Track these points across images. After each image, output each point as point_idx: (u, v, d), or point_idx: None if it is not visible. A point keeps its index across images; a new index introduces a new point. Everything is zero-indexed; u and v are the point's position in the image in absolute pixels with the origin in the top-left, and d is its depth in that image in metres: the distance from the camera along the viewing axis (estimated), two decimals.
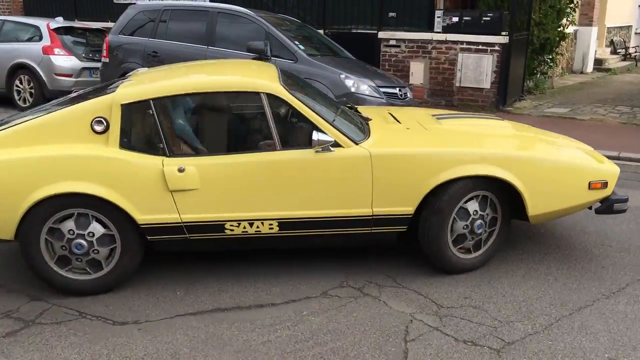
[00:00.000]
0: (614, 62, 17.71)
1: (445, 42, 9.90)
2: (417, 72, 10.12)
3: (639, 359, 2.87)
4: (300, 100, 3.58)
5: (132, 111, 3.46)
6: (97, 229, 3.42)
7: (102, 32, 10.33)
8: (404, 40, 10.23)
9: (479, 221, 3.71)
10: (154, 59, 8.29)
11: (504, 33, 9.39)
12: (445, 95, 10.12)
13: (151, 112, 3.46)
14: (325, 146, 3.46)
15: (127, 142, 3.44)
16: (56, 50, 9.38)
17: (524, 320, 3.22)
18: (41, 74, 9.33)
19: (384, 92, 7.20)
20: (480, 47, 9.64)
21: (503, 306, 3.37)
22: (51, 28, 9.54)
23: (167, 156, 3.43)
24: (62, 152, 3.36)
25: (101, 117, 3.43)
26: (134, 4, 9.44)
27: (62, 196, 3.32)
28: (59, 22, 9.97)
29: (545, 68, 12.10)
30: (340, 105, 4.27)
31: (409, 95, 7.72)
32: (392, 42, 10.33)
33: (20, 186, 3.30)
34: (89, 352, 2.94)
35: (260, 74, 3.78)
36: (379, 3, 10.27)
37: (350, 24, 10.57)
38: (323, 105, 3.86)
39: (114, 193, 3.34)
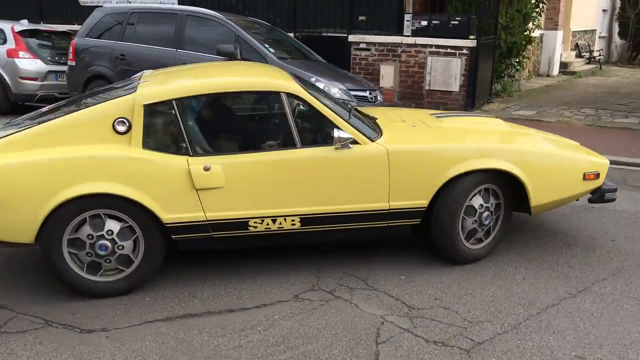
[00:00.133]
0: (579, 65, 18.12)
1: (415, 45, 10.00)
2: (387, 75, 10.20)
3: (605, 356, 2.93)
4: (317, 100, 3.70)
5: (155, 111, 3.48)
6: (120, 229, 3.41)
7: (69, 35, 10.16)
8: (374, 44, 10.30)
9: (486, 213, 3.91)
10: (122, 62, 8.20)
11: (472, 37, 9.52)
12: (415, 98, 10.22)
13: (173, 112, 3.49)
14: (345, 143, 3.58)
15: (149, 142, 3.45)
16: (21, 54, 9.21)
17: (493, 320, 3.26)
18: (5, 77, 9.16)
19: (354, 95, 7.23)
20: (448, 50, 9.75)
21: (473, 306, 3.41)
22: (16, 31, 9.36)
23: (190, 155, 3.46)
24: (86, 152, 3.34)
25: (123, 118, 3.43)
26: (101, 6, 9.31)
27: (86, 197, 3.31)
28: (24, 24, 9.78)
29: (513, 71, 12.30)
30: (347, 105, 4.36)
31: (379, 98, 7.76)
32: (362, 46, 10.40)
33: (43, 188, 3.26)
34: None
35: (277, 75, 3.88)
36: (349, 7, 10.32)
37: (321, 28, 10.60)
38: (335, 105, 3.96)
39: (140, 193, 3.35)
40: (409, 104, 10.16)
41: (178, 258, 4.00)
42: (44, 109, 4.06)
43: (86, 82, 8.55)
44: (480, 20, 9.56)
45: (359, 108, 4.67)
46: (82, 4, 12.33)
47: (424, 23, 9.87)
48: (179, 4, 11.09)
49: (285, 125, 3.60)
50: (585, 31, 19.84)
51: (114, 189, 3.31)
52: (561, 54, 17.26)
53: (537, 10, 12.50)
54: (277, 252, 4.08)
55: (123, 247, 3.42)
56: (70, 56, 8.71)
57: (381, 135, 3.85)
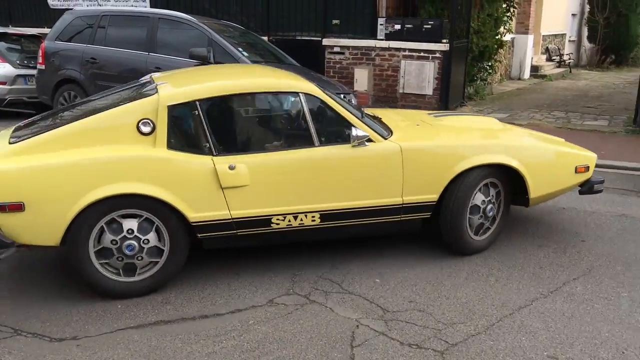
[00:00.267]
0: (549, 68, 18.41)
1: (389, 49, 10.06)
2: (361, 78, 10.24)
3: (576, 356, 2.97)
4: (333, 99, 3.87)
5: (179, 112, 3.54)
6: (147, 230, 3.44)
7: (38, 38, 9.99)
8: (347, 47, 10.33)
9: (489, 206, 4.13)
10: (93, 66, 8.09)
11: (444, 40, 9.61)
12: (389, 101, 10.27)
13: (197, 113, 3.55)
14: (362, 141, 3.74)
15: (174, 143, 3.50)
16: None
17: (467, 321, 3.28)
18: None
19: None
20: (422, 54, 9.83)
21: (447, 308, 3.43)
22: None
23: (213, 155, 3.53)
24: (112, 153, 3.37)
25: (147, 119, 3.47)
26: (71, 9, 9.18)
27: (114, 198, 3.33)
28: None
29: (485, 75, 12.45)
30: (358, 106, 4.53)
31: (353, 101, 7.78)
32: (336, 49, 10.42)
33: (71, 190, 3.27)
34: None
35: (293, 76, 4.06)
36: (322, 10, 10.34)
37: (295, 31, 10.60)
38: (348, 105, 4.09)
39: (168, 193, 3.39)
40: (383, 107, 10.21)
41: None
42: (56, 111, 4.06)
43: (56, 86, 8.42)
44: (452, 24, 9.65)
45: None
46: (51, 7, 12.14)
47: (397, 27, 9.94)
48: (151, 7, 10.99)
49: (304, 124, 3.75)
50: (555, 35, 20.18)
51: (142, 189, 3.34)
52: (532, 58, 17.53)
53: (508, 14, 12.68)
54: (252, 257, 4.05)
55: (147, 253, 3.46)
56: (40, 60, 8.57)
57: (392, 133, 4.04)
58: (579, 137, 8.42)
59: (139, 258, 3.45)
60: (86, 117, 3.51)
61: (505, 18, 12.43)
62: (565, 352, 2.99)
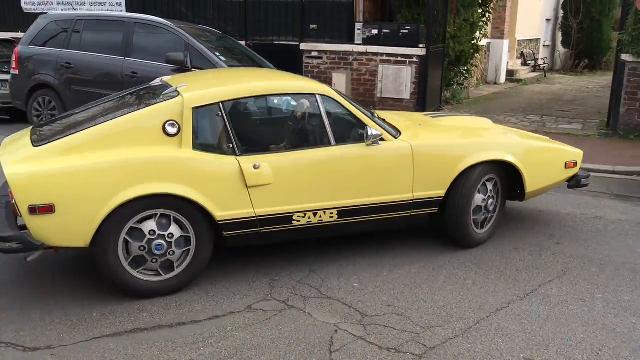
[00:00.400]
0: (524, 73, 18.65)
1: (366, 54, 10.10)
2: (339, 83, 10.26)
3: (552, 357, 3.00)
4: (347, 100, 4.05)
5: (203, 114, 3.63)
6: (174, 229, 3.50)
7: (12, 43, 9.85)
8: (325, 52, 10.36)
9: (490, 200, 4.37)
10: (67, 71, 8.00)
11: (421, 45, 9.69)
12: (367, 105, 10.29)
13: (220, 114, 3.66)
14: (375, 140, 3.92)
15: (199, 144, 3.59)
16: None
17: (445, 325, 3.30)
18: None
19: None
20: (399, 59, 9.89)
21: (425, 312, 3.45)
22: None
23: (236, 155, 3.63)
24: (141, 155, 3.42)
25: (173, 120, 3.54)
26: (46, 13, 9.06)
27: (143, 199, 3.37)
28: None
29: (461, 79, 12.57)
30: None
31: None
32: (314, 54, 10.44)
33: (101, 191, 3.30)
34: None
35: (306, 79, 4.31)
36: (300, 15, 10.35)
37: (272, 36, 10.60)
38: (359, 106, 4.21)
39: (196, 192, 3.47)
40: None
41: None
42: (73, 112, 4.15)
43: (30, 91, 8.30)
44: (429, 29, 9.73)
45: None
46: (25, 11, 11.96)
47: (375, 32, 9.98)
48: (127, 11, 10.89)
49: (321, 124, 3.90)
50: (530, 40, 20.45)
51: (172, 189, 3.41)
52: (507, 62, 17.74)
53: (483, 19, 12.82)
54: (230, 263, 4.03)
55: (174, 252, 3.52)
56: (14, 65, 8.44)
57: (400, 133, 4.21)
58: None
59: (167, 257, 3.51)
60: (108, 119, 3.56)
61: (481, 23, 12.57)
62: (542, 354, 3.02)
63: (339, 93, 4.08)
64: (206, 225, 3.57)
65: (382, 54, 9.98)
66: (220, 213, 3.55)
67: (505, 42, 16.88)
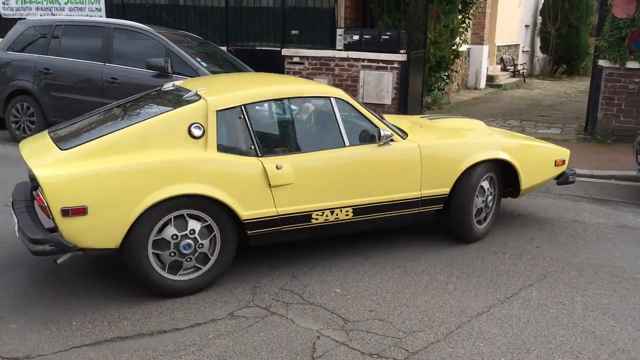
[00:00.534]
0: (504, 78, 18.84)
1: (348, 59, 10.13)
2: None
3: None
4: (358, 103, 4.24)
5: (226, 116, 3.76)
6: (200, 229, 3.59)
7: None
8: (307, 58, 10.37)
9: (489, 197, 4.62)
10: (46, 77, 7.91)
11: (402, 51, 9.74)
12: None
13: (241, 117, 3.79)
14: (387, 141, 4.11)
15: (223, 145, 3.71)
16: None
17: (426, 329, 3.32)
18: None
19: None
20: (380, 64, 9.94)
21: (407, 317, 3.46)
22: None
23: (258, 156, 3.76)
24: (170, 156, 3.52)
25: (198, 123, 3.65)
26: (24, 18, 8.96)
27: (172, 199, 3.46)
28: None
29: (442, 84, 12.66)
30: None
31: None
32: (295, 59, 10.44)
33: (132, 192, 3.37)
34: None
35: (319, 83, 4.53)
36: (281, 21, 10.35)
37: (254, 41, 10.58)
38: (368, 108, 4.38)
39: (223, 193, 3.57)
40: None
41: (107, 276, 3.87)
42: (91, 115, 4.24)
43: (8, 98, 8.19)
44: (409, 35, 9.80)
45: None
46: (3, 16, 11.81)
47: (356, 37, 10.02)
48: (107, 17, 10.81)
49: (336, 126, 4.07)
50: (509, 46, 20.68)
51: (201, 189, 3.51)
52: (487, 68, 17.91)
53: (463, 25, 12.94)
54: None
55: (202, 245, 3.61)
56: None
57: (407, 134, 4.41)
58: None
59: (194, 256, 3.60)
60: (133, 123, 3.65)
61: (460, 29, 12.68)
62: (522, 358, 3.05)
63: (350, 95, 4.26)
64: (231, 225, 3.68)
65: (363, 60, 10.02)
66: (245, 212, 3.67)
67: (485, 48, 17.05)
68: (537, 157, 4.93)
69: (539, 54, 23.42)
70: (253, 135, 3.79)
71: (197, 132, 3.64)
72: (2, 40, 8.57)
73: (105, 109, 4.35)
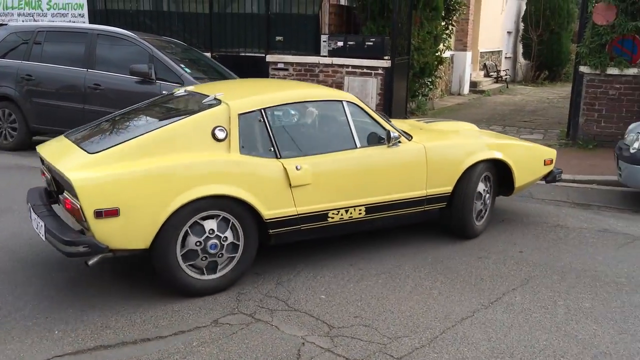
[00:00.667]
0: (487, 84, 19.02)
1: (332, 65, 10.16)
2: None
3: None
4: (367, 106, 4.44)
5: (247, 120, 3.89)
6: (225, 230, 3.70)
7: None
8: (291, 64, 10.37)
9: (487, 195, 4.90)
10: (28, 83, 7.84)
11: (386, 57, 9.79)
12: None
13: (261, 120, 3.94)
14: (395, 142, 4.32)
15: (245, 148, 3.84)
16: None
17: (411, 335, 3.32)
18: None
19: None
20: (365, 70, 9.97)
21: (391, 322, 3.46)
22: None
23: (277, 158, 3.91)
24: (197, 159, 3.63)
25: (222, 126, 3.78)
26: (6, 24, 8.88)
27: (200, 200, 3.56)
28: None
29: (426, 90, 12.73)
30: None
31: None
32: (280, 65, 10.45)
33: (163, 194, 3.46)
34: None
35: (330, 88, 4.83)
36: (265, 27, 10.36)
37: (238, 47, 10.58)
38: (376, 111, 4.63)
39: (247, 193, 3.70)
40: None
41: (88, 284, 3.84)
42: (108, 120, 4.33)
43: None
44: (393, 41, 9.85)
45: None
46: None
47: (340, 44, 10.05)
48: (90, 23, 10.75)
49: (348, 128, 4.27)
50: (492, 52, 20.89)
51: (227, 190, 3.63)
52: (471, 74, 18.07)
53: (446, 32, 13.04)
54: None
55: (227, 246, 3.72)
56: None
57: (411, 136, 4.61)
58: None
59: (220, 255, 3.70)
60: (157, 127, 3.75)
61: (444, 36, 12.77)
62: None
63: (359, 99, 4.47)
64: (254, 225, 3.80)
65: (347, 66, 10.05)
66: (268, 212, 3.79)
67: (468, 54, 17.20)
68: (528, 157, 5.18)
69: (521, 60, 23.68)
70: (272, 138, 3.93)
71: (220, 135, 3.76)
72: None
73: (118, 114, 4.43)
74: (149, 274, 3.97)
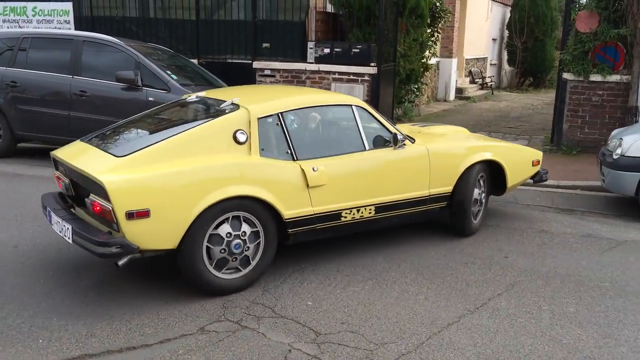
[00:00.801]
0: (473, 90, 19.15)
1: (319, 72, 10.19)
2: None
3: None
4: (374, 109, 4.66)
5: (266, 124, 4.05)
6: (247, 230, 3.83)
7: None
8: (278, 70, 10.40)
9: (483, 194, 5.17)
10: (13, 89, 7.78)
11: (372, 64, 9.84)
12: None
13: (278, 124, 4.10)
14: (401, 144, 4.55)
15: (264, 150, 3.99)
16: None
17: (398, 340, 3.33)
18: None
19: None
20: (351, 77, 10.01)
21: (378, 328, 3.47)
22: None
23: (294, 160, 4.07)
24: (222, 161, 3.77)
25: (242, 130, 3.92)
26: None
27: (225, 201, 3.67)
28: None
29: (412, 97, 12.79)
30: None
31: None
32: (267, 72, 10.46)
33: (191, 195, 3.57)
34: None
35: (339, 93, 5.08)
36: (252, 34, 10.38)
37: (225, 54, 10.58)
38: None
39: (269, 194, 3.84)
40: None
41: (73, 293, 3.81)
42: (126, 125, 4.42)
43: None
44: (380, 48, 9.90)
45: None
46: None
47: (327, 51, 10.09)
48: (75, 29, 10.70)
49: (358, 131, 4.47)
50: (477, 59, 21.04)
51: (251, 191, 3.77)
52: (456, 80, 18.19)
53: (432, 39, 13.12)
54: (182, 284, 3.96)
55: (249, 246, 3.84)
56: None
57: (414, 139, 4.81)
58: None
59: (242, 255, 3.82)
60: (180, 131, 3.87)
61: (430, 42, 12.85)
62: None
63: (367, 104, 4.70)
64: (274, 225, 3.94)
65: (334, 72, 10.09)
66: (287, 212, 3.94)
67: (454, 61, 17.32)
68: (518, 158, 5.47)
69: (506, 66, 23.88)
70: (289, 141, 4.10)
71: (242, 138, 3.90)
72: None
73: (130, 120, 4.54)
74: (133, 281, 3.95)
